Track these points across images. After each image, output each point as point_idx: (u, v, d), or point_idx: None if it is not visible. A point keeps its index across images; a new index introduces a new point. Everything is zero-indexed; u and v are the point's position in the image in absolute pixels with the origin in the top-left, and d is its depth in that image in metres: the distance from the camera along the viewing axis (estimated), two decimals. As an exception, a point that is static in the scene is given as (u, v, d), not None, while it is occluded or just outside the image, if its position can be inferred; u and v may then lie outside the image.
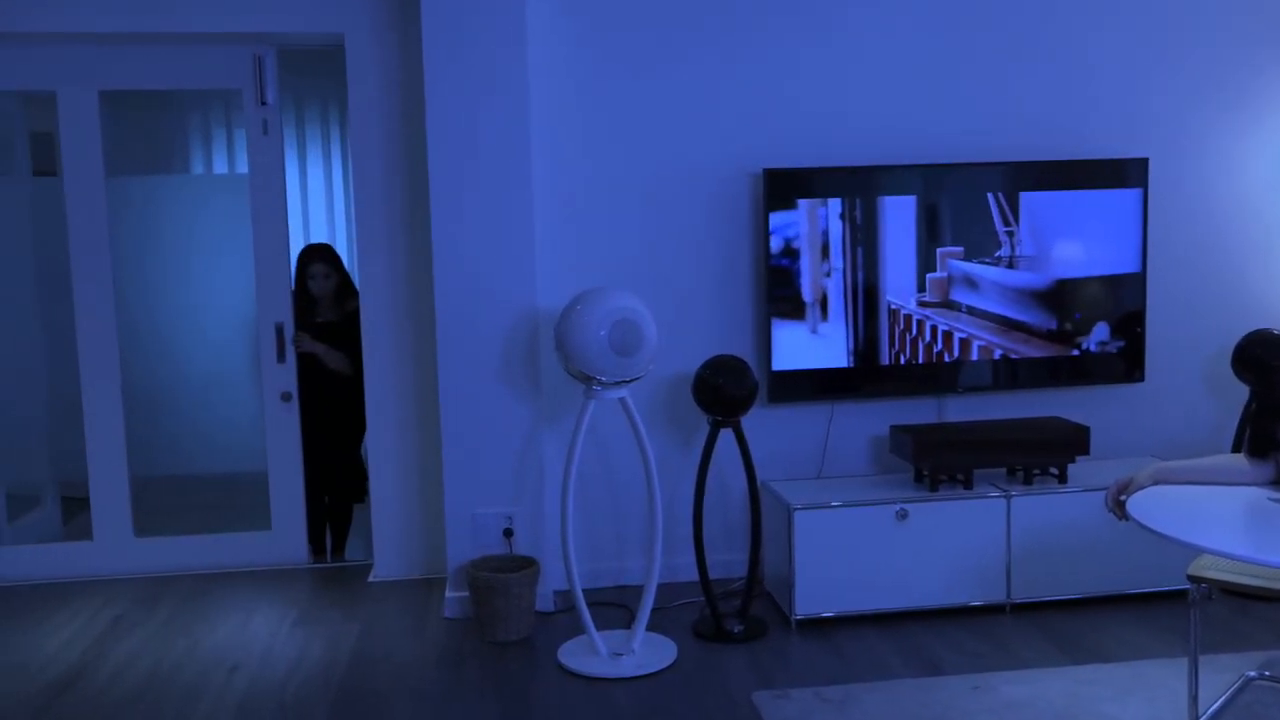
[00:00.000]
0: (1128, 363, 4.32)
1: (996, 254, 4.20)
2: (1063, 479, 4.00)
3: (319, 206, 5.87)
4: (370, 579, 4.47)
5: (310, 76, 5.78)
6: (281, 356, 4.53)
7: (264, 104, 4.41)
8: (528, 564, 3.93)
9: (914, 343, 4.21)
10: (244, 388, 4.90)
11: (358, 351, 4.52)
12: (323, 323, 4.72)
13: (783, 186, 4.09)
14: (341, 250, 5.82)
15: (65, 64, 4.32)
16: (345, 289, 4.79)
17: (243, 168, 5.64)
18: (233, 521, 4.77)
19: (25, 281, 4.90)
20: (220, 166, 5.76)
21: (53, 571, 4.54)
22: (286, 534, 4.63)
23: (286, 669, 3.60)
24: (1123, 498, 2.74)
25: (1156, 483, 2.77)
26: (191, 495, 5.56)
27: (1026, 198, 4.20)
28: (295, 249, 4.77)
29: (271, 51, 4.40)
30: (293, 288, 4.67)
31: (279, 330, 4.52)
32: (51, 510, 5.14)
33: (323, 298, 4.72)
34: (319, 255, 4.74)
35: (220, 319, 4.89)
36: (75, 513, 5.37)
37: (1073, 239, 4.22)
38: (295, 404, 4.56)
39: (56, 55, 4.30)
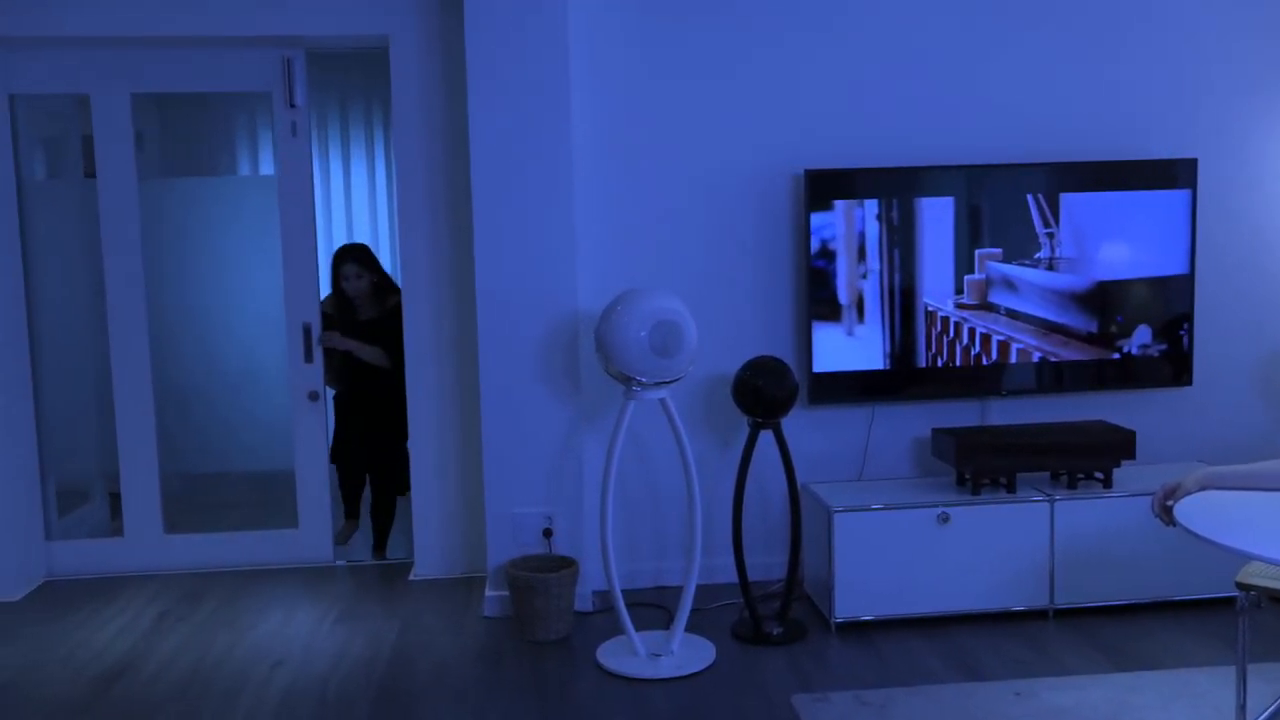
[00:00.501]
0: (1175, 366, 4.26)
1: (1036, 256, 4.16)
2: (1107, 483, 3.95)
3: (362, 207, 5.91)
4: (411, 577, 4.51)
5: (355, 77, 5.83)
6: (309, 356, 4.57)
7: (293, 106, 4.46)
8: (567, 564, 3.94)
9: (951, 345, 4.17)
10: (279, 386, 4.93)
11: (399, 346, 4.56)
12: (364, 320, 4.76)
13: (824, 187, 4.07)
14: (384, 251, 5.88)
15: (99, 67, 4.39)
16: (383, 287, 4.81)
17: (245, 169, 5.75)
18: (262, 519, 4.83)
19: (78, 281, 4.98)
20: (266, 167, 5.81)
21: (103, 566, 4.62)
22: (313, 532, 4.68)
23: (328, 665, 3.64)
24: (1170, 503, 2.70)
25: (1204, 488, 2.73)
26: (226, 493, 5.63)
27: (1068, 199, 4.15)
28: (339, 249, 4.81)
29: (300, 54, 4.44)
30: (330, 289, 4.71)
31: (306, 330, 4.55)
32: (100, 506, 5.22)
33: (357, 297, 4.75)
34: (350, 256, 4.76)
35: (257, 318, 4.92)
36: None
37: (1117, 240, 4.17)
38: (322, 403, 4.59)
39: (91, 58, 4.37)
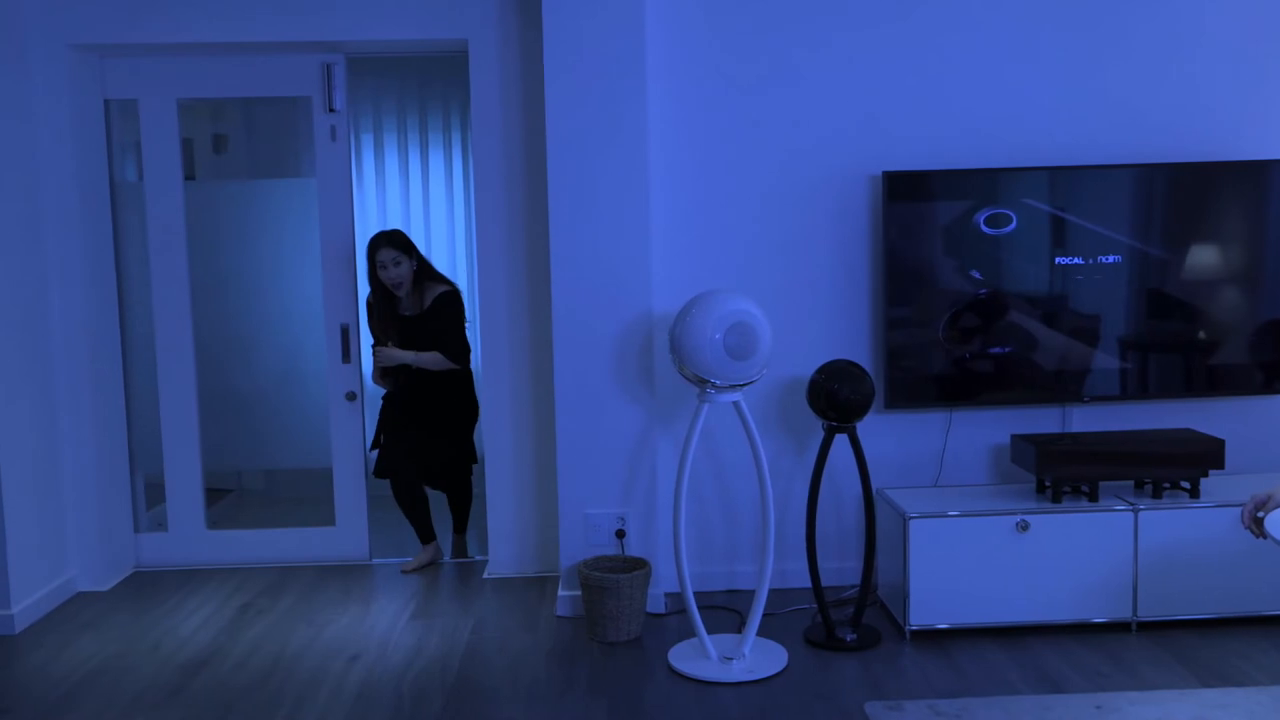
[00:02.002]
0: (1266, 372, 4.13)
1: (1124, 259, 4.06)
2: (1194, 493, 3.85)
3: (440, 209, 5.99)
4: (484, 575, 4.56)
5: (434, 81, 5.91)
6: (346, 356, 4.62)
7: (332, 110, 4.54)
8: (639, 565, 3.95)
9: (1036, 349, 4.09)
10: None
11: (449, 338, 4.46)
12: (408, 317, 4.53)
13: (903, 189, 4.03)
14: (460, 252, 5.95)
15: (147, 74, 4.51)
16: (424, 275, 4.55)
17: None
18: (304, 517, 4.93)
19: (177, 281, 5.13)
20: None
21: (196, 558, 4.75)
22: (350, 530, 4.75)
23: (404, 660, 3.69)
24: (1260, 514, 2.63)
25: (1297, 500, 2.65)
26: (272, 489, 5.76)
27: (1160, 200, 4.05)
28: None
29: (341, 59, 4.52)
30: (369, 283, 4.54)
31: (344, 331, 4.62)
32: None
33: (398, 285, 4.47)
34: (385, 241, 4.45)
35: (307, 318, 4.98)
36: (210, 502, 5.60)
37: (1207, 243, 4.06)
38: (360, 403, 4.64)
39: (139, 66, 4.49)
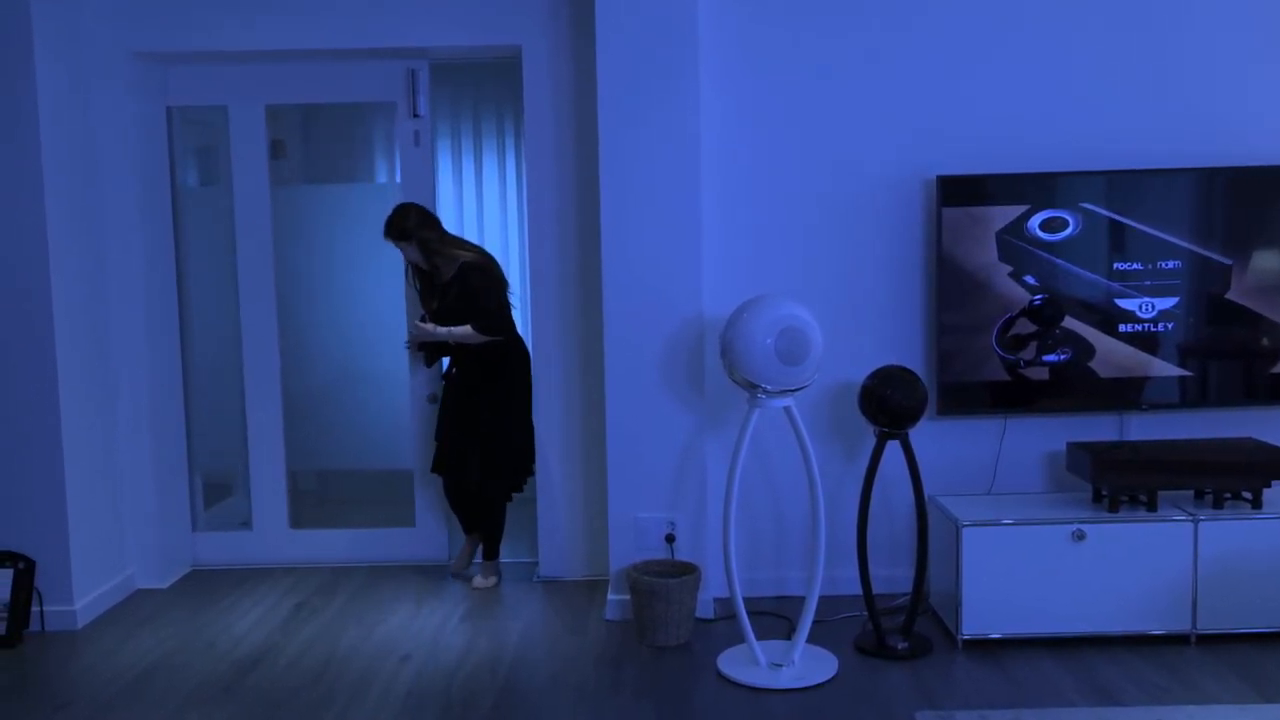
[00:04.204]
0: (1333, 382, 4.03)
1: (1182, 264, 3.98)
2: (1257, 504, 3.76)
3: (494, 212, 6.03)
4: (534, 578, 4.57)
5: (487, 86, 5.96)
6: (429, 361, 4.64)
7: (416, 116, 4.58)
8: (689, 570, 3.94)
9: (1092, 356, 4.03)
10: (401, 387, 5.02)
11: (476, 307, 4.26)
12: (444, 283, 4.36)
13: (957, 193, 3.99)
14: (513, 256, 5.98)
15: (236, 80, 4.59)
16: (443, 246, 4.32)
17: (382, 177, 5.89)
18: (385, 517, 4.97)
19: (225, 285, 5.21)
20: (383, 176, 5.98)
21: (246, 557, 4.82)
22: (429, 531, 4.79)
23: (454, 661, 3.72)
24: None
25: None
26: (353, 490, 5.78)
27: (1221, 204, 3.97)
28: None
29: (424, 65, 4.55)
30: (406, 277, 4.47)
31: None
32: (242, 499, 5.45)
33: (420, 263, 4.34)
34: (384, 232, 4.31)
35: (378, 321, 5.01)
36: None
37: (1273, 248, 3.97)
38: (439, 406, 4.62)
39: (228, 72, 4.57)
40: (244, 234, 4.69)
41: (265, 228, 4.68)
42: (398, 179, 4.87)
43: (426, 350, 4.56)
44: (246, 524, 4.88)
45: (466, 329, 4.29)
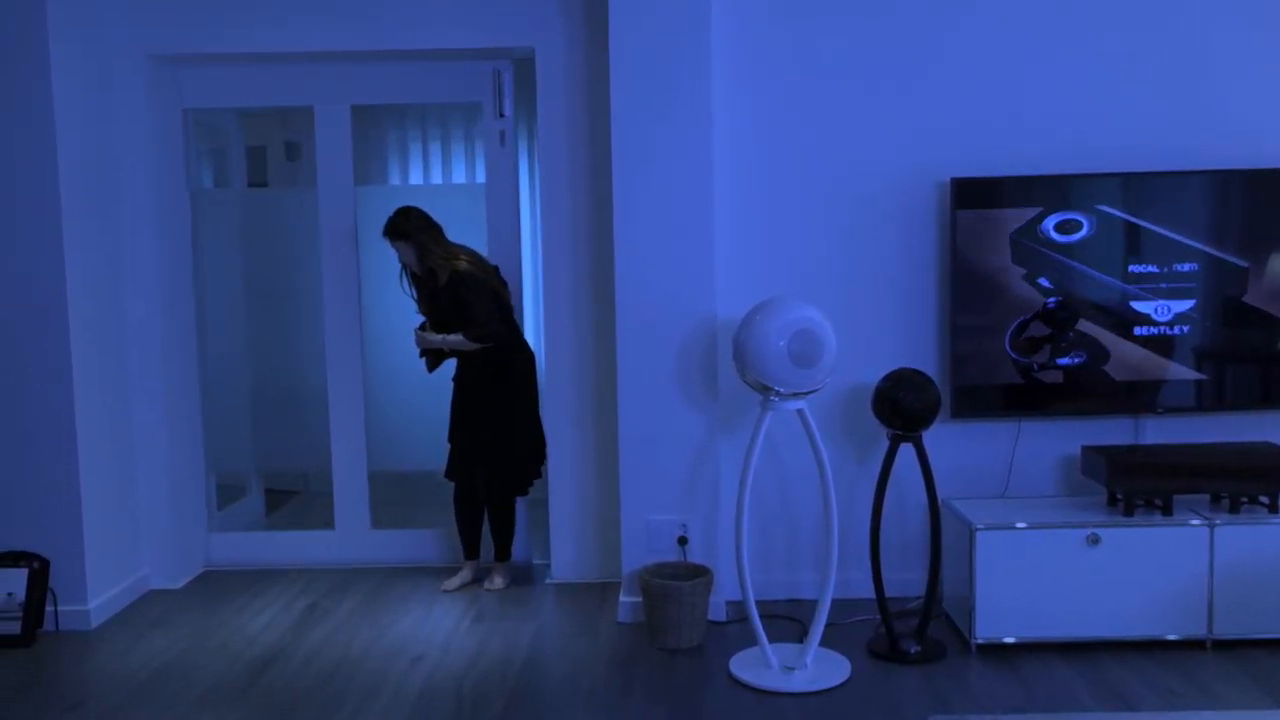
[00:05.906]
0: (1351, 386, 4.00)
1: (1198, 267, 3.96)
2: (1274, 508, 3.73)
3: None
4: (547, 580, 4.57)
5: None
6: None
7: (501, 116, 4.59)
8: (701, 572, 3.94)
9: (1107, 359, 4.01)
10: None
11: (466, 317, 4.25)
12: (440, 288, 4.34)
13: (971, 195, 3.97)
14: (526, 256, 5.97)
15: (322, 81, 4.61)
16: (435, 250, 4.29)
17: (459, 177, 5.90)
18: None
19: (235, 285, 5.24)
20: (459, 176, 5.97)
21: (254, 558, 4.83)
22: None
23: (465, 662, 3.72)
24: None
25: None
26: (427, 490, 5.72)
27: (1238, 206, 3.95)
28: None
29: (510, 66, 4.57)
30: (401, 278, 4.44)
31: None
32: (254, 500, 5.48)
33: (414, 265, 4.33)
34: (384, 230, 4.30)
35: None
36: (278, 504, 5.71)
37: (1290, 252, 3.95)
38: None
39: (314, 73, 4.59)
40: (328, 235, 4.69)
41: (349, 225, 4.67)
42: (479, 179, 4.85)
43: (428, 357, 4.55)
44: (328, 524, 4.85)
45: (458, 337, 4.30)
